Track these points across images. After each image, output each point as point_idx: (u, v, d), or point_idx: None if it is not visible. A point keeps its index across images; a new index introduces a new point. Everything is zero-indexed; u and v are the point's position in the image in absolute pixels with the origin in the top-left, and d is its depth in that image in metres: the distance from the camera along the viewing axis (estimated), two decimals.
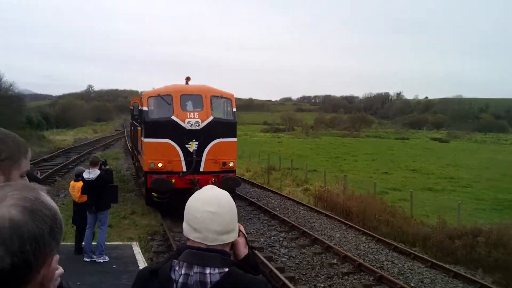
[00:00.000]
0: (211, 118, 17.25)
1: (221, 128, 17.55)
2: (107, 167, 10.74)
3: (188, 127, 16.92)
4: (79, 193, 10.38)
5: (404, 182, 31.29)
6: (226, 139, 17.64)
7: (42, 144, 44.55)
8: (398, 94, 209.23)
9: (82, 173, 10.64)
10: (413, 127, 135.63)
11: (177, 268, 1.88)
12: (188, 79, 19.37)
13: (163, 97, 17.55)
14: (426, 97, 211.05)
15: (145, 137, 17.70)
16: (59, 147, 44.81)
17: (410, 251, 14.59)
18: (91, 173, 10.06)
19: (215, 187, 2.09)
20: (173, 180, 16.67)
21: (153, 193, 17.09)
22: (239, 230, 2.14)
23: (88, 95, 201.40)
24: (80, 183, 10.40)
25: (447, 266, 13.21)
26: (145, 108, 17.73)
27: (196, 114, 17.15)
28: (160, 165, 16.95)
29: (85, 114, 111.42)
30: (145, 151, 17.70)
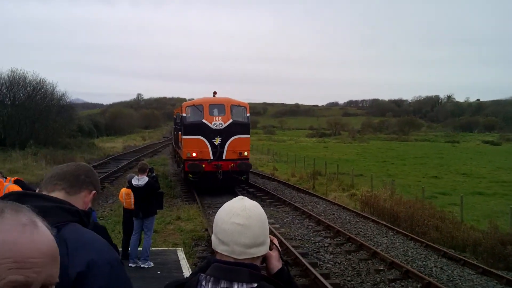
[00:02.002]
0: (231, 120, 23.56)
1: (238, 128, 23.75)
2: (154, 174, 10.86)
3: (214, 127, 23.29)
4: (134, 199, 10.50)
5: (454, 186, 30.47)
6: (242, 136, 23.89)
7: (92, 151, 45.79)
8: (449, 97, 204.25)
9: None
10: (464, 130, 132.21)
11: (203, 283, 1.81)
12: (215, 93, 25.56)
13: (197, 106, 24.00)
14: (478, 99, 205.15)
15: (184, 134, 23.93)
16: (109, 154, 45.91)
17: (460, 257, 14.12)
18: (140, 180, 10.16)
19: (245, 198, 2.00)
20: (203, 165, 22.94)
21: (189, 175, 23.19)
22: (273, 244, 2.04)
23: (137, 104, 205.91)
24: None
25: (499, 272, 12.69)
26: (184, 114, 23.99)
27: (220, 118, 23.48)
28: (194, 154, 23.27)
29: (134, 122, 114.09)
30: (184, 145, 23.86)
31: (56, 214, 1.82)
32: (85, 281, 1.69)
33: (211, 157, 23.17)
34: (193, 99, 26.84)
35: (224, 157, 23.31)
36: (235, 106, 24.30)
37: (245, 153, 23.99)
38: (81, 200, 2.10)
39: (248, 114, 24.69)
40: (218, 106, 23.95)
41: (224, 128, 23.34)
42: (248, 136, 24.60)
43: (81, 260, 1.72)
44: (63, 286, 1.50)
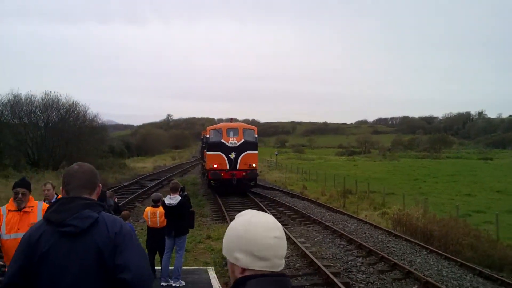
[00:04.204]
0: (243, 140, 30.88)
1: (248, 146, 30.97)
2: (185, 193, 10.91)
3: (230, 145, 30.54)
4: (163, 217, 10.55)
5: (489, 204, 29.82)
6: (251, 152, 31.04)
7: (123, 171, 46.29)
8: (480, 113, 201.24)
9: (160, 199, 10.85)
10: (497, 146, 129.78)
11: None
12: (231, 119, 35.45)
13: (217, 130, 31.89)
14: (511, 116, 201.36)
15: (208, 151, 31.88)
16: (139, 174, 46.35)
17: (497, 276, 13.76)
18: (172, 199, 10.21)
19: (260, 212, 2.02)
20: (222, 174, 30.01)
21: (211, 181, 30.51)
22: None
23: (167, 124, 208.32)
24: (162, 208, 10.57)
25: None
26: (208, 136, 32.02)
27: (235, 138, 30.76)
28: (215, 165, 30.35)
29: (164, 142, 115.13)
30: (208, 158, 31.66)
31: (96, 207, 2.84)
32: (120, 235, 2.77)
33: (228, 168, 30.26)
34: (222, 119, 34.23)
35: (237, 168, 30.41)
36: (246, 129, 32.08)
37: (254, 165, 31.05)
38: (96, 194, 3.03)
39: (256, 135, 32.44)
40: (233, 129, 31.35)
41: (237, 146, 30.60)
42: (256, 152, 31.78)
43: (116, 227, 2.80)
44: (109, 244, 2.71)
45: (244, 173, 30.30)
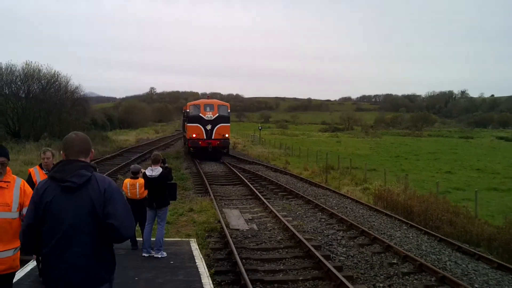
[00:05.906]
0: (217, 114, 36.95)
1: (222, 119, 37.08)
2: (166, 165, 10.83)
3: (207, 118, 36.53)
4: (142, 189, 10.49)
5: (468, 181, 30.23)
6: (224, 124, 37.22)
7: (106, 144, 45.90)
8: (463, 92, 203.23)
9: (139, 171, 10.77)
10: (478, 126, 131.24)
11: None
12: (208, 96, 44.95)
13: (196, 105, 37.99)
14: (492, 95, 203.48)
15: (188, 123, 37.79)
16: (122, 147, 46.07)
17: (475, 251, 14.00)
18: (153, 171, 10.13)
19: None
20: (200, 142, 36.14)
21: (191, 148, 37.62)
22: None
23: (150, 97, 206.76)
24: (142, 180, 10.50)
25: None
26: (188, 110, 38.39)
27: (210, 113, 36.79)
28: (194, 135, 36.36)
29: (147, 116, 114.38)
30: (188, 129, 37.72)
31: (89, 168, 3.60)
32: (108, 190, 3.53)
33: (205, 137, 36.28)
34: (205, 93, 39.69)
35: (213, 137, 36.45)
36: (221, 105, 38.19)
37: (226, 135, 37.44)
38: (90, 158, 3.75)
39: (229, 111, 38.80)
40: (209, 105, 37.54)
41: (213, 119, 36.69)
42: (229, 124, 38.19)
43: (105, 184, 3.56)
44: (99, 197, 3.46)
45: (218, 142, 36.69)
